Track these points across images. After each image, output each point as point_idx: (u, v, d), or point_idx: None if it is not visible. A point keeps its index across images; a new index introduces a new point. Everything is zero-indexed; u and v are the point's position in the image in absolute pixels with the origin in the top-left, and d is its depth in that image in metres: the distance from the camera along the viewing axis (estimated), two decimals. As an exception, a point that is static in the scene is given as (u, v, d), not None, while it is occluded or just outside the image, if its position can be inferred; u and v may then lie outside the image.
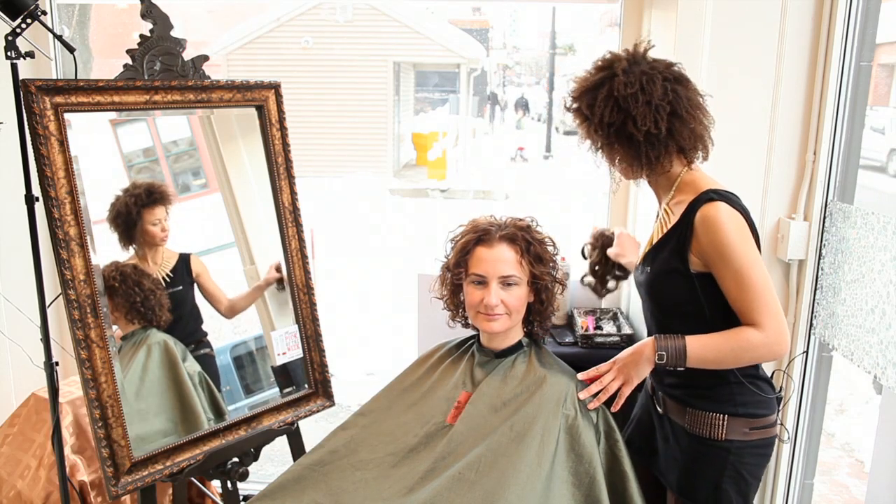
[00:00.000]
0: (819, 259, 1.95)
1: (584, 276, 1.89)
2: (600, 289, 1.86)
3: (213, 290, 1.95)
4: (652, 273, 1.46)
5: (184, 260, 1.89)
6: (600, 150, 1.44)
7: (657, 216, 1.54)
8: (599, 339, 2.07)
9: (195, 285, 1.92)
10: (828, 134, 1.90)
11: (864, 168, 1.97)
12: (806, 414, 2.05)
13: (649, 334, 1.52)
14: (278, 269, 2.01)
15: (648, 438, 1.59)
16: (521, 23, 21.90)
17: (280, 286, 2.01)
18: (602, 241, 1.84)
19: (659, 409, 1.54)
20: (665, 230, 1.45)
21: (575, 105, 1.43)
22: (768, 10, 1.90)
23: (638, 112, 1.34)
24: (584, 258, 1.89)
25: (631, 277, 1.75)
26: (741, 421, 1.42)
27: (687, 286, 1.40)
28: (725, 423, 1.41)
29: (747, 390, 1.43)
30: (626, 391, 1.46)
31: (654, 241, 1.48)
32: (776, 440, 1.48)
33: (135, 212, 1.78)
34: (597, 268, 1.85)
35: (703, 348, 1.37)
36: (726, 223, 1.33)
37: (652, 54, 1.42)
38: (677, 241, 1.40)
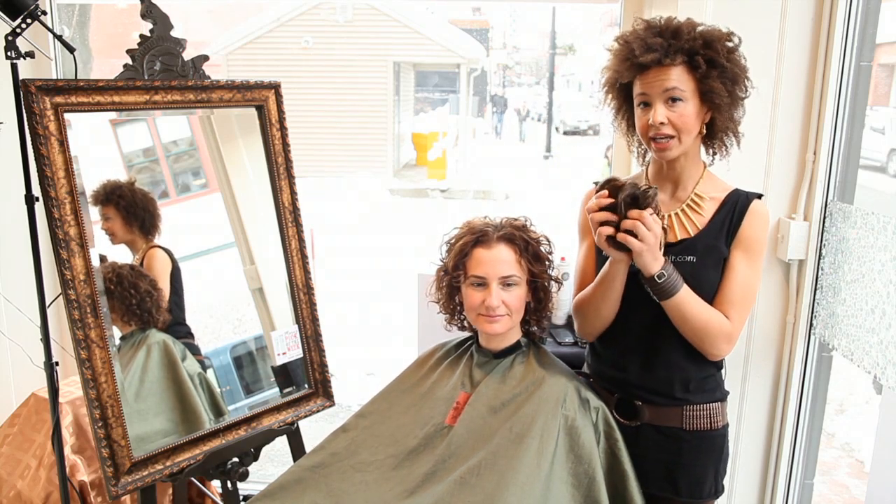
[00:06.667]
0: (819, 259, 1.95)
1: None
2: None
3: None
4: (699, 262, 1.42)
5: (144, 255, 1.85)
6: (701, 101, 1.36)
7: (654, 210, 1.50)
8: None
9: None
10: (828, 134, 1.90)
11: (864, 168, 1.97)
12: (806, 414, 2.05)
13: (639, 331, 1.48)
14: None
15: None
16: (521, 23, 21.90)
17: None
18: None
19: (634, 421, 1.51)
20: (695, 219, 1.44)
21: (699, 43, 1.34)
22: (768, 10, 1.90)
23: (747, 72, 1.39)
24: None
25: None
26: (725, 404, 1.52)
27: (720, 273, 1.43)
28: (720, 409, 1.49)
29: (720, 375, 1.53)
30: (629, 242, 1.30)
31: (686, 229, 1.44)
32: None
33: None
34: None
35: (691, 300, 1.38)
36: (767, 225, 1.44)
37: None
38: (728, 227, 1.42)
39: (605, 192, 1.33)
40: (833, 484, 3.16)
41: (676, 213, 1.46)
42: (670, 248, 1.43)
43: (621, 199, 1.30)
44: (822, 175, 1.93)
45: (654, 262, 1.33)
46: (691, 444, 1.47)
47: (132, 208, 1.80)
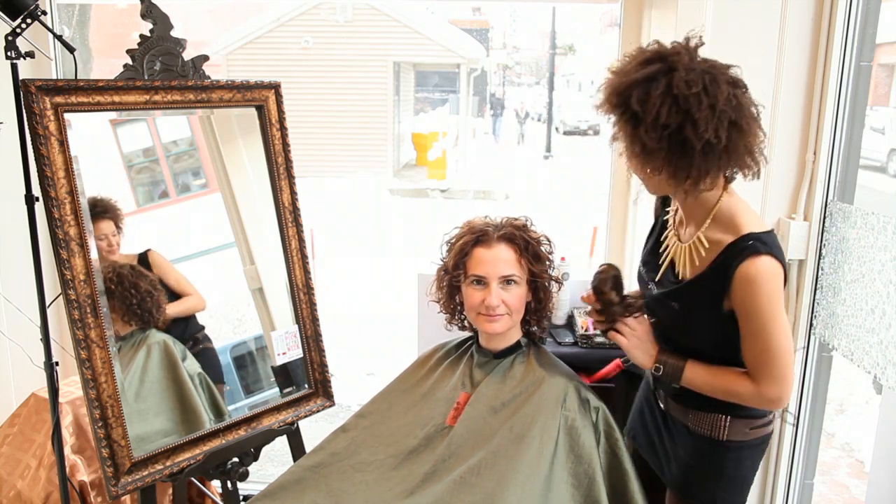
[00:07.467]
0: (819, 259, 1.95)
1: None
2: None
3: (176, 285, 1.88)
4: (681, 310, 1.37)
5: (143, 261, 1.84)
6: (640, 156, 1.25)
7: (675, 228, 1.44)
8: (599, 339, 2.07)
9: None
10: (828, 134, 1.90)
11: (864, 168, 1.96)
12: (806, 414, 2.05)
13: (660, 338, 1.48)
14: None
15: (647, 431, 1.58)
16: (521, 23, 21.89)
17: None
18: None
19: (661, 404, 1.53)
20: (695, 264, 1.35)
21: (618, 99, 1.23)
22: (768, 11, 1.90)
23: (700, 116, 1.17)
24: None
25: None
26: (743, 422, 1.41)
27: (717, 325, 1.34)
28: (728, 423, 1.41)
29: None
30: (617, 340, 1.47)
31: (682, 272, 1.38)
32: (772, 434, 1.49)
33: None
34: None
35: (697, 378, 1.37)
36: (765, 284, 1.25)
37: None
38: (712, 289, 1.30)
39: (593, 297, 1.48)
40: (833, 484, 3.15)
41: (686, 248, 1.38)
42: (662, 284, 1.42)
43: (609, 309, 1.48)
44: (822, 175, 1.93)
45: (644, 357, 1.43)
46: (694, 444, 1.46)
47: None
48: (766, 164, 1.30)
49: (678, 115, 1.18)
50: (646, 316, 1.47)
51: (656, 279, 1.45)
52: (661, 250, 1.47)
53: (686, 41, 1.26)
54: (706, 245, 1.33)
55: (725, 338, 1.33)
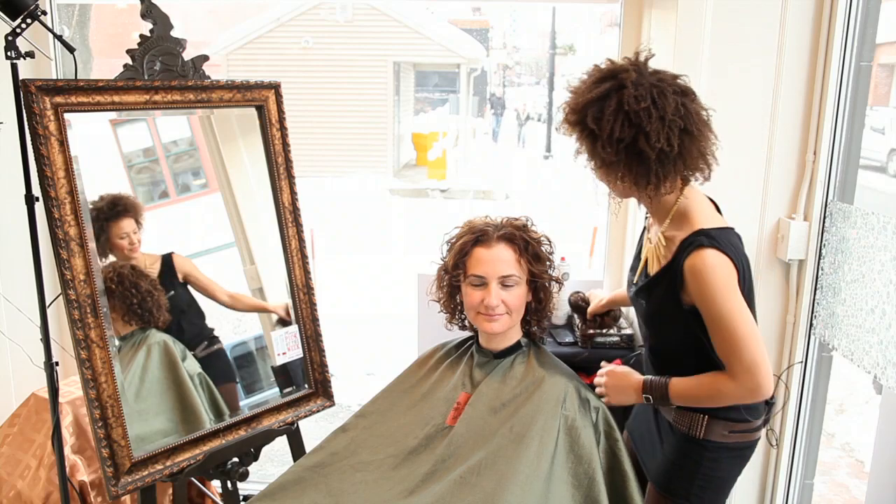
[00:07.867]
0: (819, 259, 1.95)
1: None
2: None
3: (208, 284, 1.91)
4: (649, 307, 1.45)
5: (167, 262, 1.85)
6: (602, 168, 1.36)
7: (648, 231, 1.52)
8: (600, 340, 2.07)
9: (188, 285, 1.89)
10: (828, 134, 1.90)
11: (864, 168, 1.96)
12: (806, 414, 2.05)
13: (644, 343, 1.56)
14: (287, 313, 2.04)
15: (641, 426, 1.62)
16: (521, 23, 21.87)
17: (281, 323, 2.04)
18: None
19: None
20: (660, 262, 1.42)
21: (575, 117, 1.34)
22: (768, 11, 1.90)
23: (651, 128, 1.26)
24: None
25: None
26: (721, 424, 1.43)
27: (683, 321, 1.38)
28: (705, 423, 1.43)
29: None
30: (606, 401, 1.53)
31: (650, 269, 1.45)
32: (757, 443, 1.50)
33: (97, 226, 1.67)
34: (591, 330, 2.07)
35: (684, 392, 1.40)
36: (710, 274, 1.30)
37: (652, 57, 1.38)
38: (669, 283, 1.37)
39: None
40: (833, 484, 3.16)
41: (653, 248, 1.45)
42: (637, 284, 1.48)
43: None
44: (822, 175, 1.92)
45: (630, 396, 1.47)
46: (674, 440, 1.48)
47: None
48: (717, 165, 1.38)
49: (631, 129, 1.28)
50: (616, 363, 1.58)
51: (634, 280, 1.52)
52: (640, 253, 1.54)
53: (636, 56, 1.34)
54: (664, 243, 1.40)
55: (693, 335, 1.37)
